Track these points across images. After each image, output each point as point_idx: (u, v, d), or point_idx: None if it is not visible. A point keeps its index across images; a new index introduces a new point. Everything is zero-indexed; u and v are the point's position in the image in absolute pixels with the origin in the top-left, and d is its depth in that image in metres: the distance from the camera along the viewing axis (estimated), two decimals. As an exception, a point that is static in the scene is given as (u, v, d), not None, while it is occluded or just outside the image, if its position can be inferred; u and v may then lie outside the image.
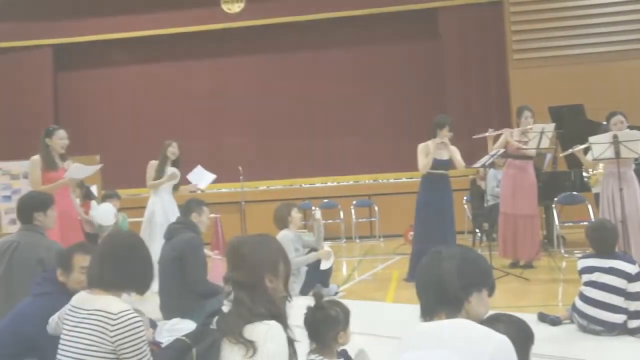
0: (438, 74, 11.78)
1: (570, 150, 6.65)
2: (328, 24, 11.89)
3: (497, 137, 6.89)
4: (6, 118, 12.35)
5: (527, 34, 11.35)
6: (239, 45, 12.32)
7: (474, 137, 7.10)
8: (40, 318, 2.96)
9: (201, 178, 7.19)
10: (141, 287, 2.69)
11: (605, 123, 6.56)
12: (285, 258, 2.26)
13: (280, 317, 2.13)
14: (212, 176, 7.22)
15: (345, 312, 2.72)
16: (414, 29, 12.07)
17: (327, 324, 2.65)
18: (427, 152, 6.41)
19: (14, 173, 10.53)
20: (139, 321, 2.44)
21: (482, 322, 2.00)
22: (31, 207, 4.10)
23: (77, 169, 5.50)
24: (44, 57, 12.50)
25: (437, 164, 6.42)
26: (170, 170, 6.72)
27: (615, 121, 6.35)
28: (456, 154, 6.50)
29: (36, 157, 5.42)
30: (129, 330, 2.38)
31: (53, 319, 2.80)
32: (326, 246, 6.09)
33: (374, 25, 12.00)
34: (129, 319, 2.39)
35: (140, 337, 2.41)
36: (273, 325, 2.06)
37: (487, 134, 6.85)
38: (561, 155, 7.74)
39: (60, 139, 5.45)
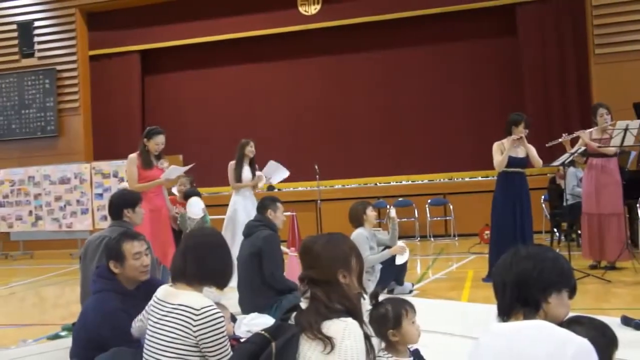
0: (516, 71, 11.54)
1: None
2: (404, 23, 11.89)
3: (573, 140, 6.71)
4: (100, 121, 13.14)
5: (609, 27, 10.91)
6: (316, 46, 12.51)
7: (548, 145, 6.92)
8: (95, 315, 3.14)
9: (275, 172, 7.24)
10: (220, 283, 2.79)
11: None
12: (357, 254, 2.30)
13: (356, 312, 2.17)
14: (286, 172, 7.26)
15: (396, 311, 2.66)
16: (492, 26, 11.90)
17: (377, 322, 2.66)
18: (502, 150, 6.32)
19: (105, 172, 11.14)
20: (221, 316, 2.54)
21: (562, 324, 1.95)
22: (121, 204, 4.36)
23: (173, 170, 5.75)
24: (132, 63, 13.25)
25: (513, 161, 6.32)
26: (257, 174, 6.95)
27: None
28: (533, 151, 6.38)
29: (133, 155, 5.71)
30: (211, 325, 2.49)
31: (135, 322, 2.93)
32: (400, 242, 6.10)
33: (451, 23, 11.89)
34: (211, 314, 2.51)
35: (222, 332, 2.52)
36: (350, 322, 2.10)
37: (561, 139, 6.67)
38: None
39: (156, 143, 5.68)
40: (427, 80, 12.02)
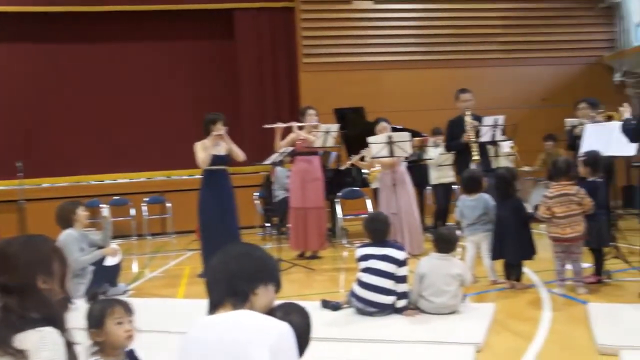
0: (234, 73, 11.97)
1: (351, 161, 7.23)
2: (126, 17, 11.42)
3: (285, 133, 7.20)
4: None
5: (315, 40, 12.02)
6: (31, 31, 11.28)
7: (264, 126, 7.31)
8: None
9: None
10: None
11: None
12: (60, 257, 2.11)
13: (58, 320, 1.99)
14: None
15: (99, 311, 2.55)
16: (213, 28, 12.15)
17: (87, 323, 2.56)
18: (204, 148, 6.39)
19: None
20: None
21: (272, 311, 2.11)
22: None
23: None
24: None
25: (216, 159, 6.42)
26: None
27: (381, 128, 7.09)
28: (233, 147, 6.50)
29: None
30: None
31: None
32: (113, 244, 5.88)
33: (174, 22, 11.80)
34: None
35: None
36: (47, 331, 1.91)
37: (276, 125, 7.10)
38: (347, 165, 8.30)
39: None
40: (147, 77, 11.75)
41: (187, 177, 11.32)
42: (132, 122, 11.67)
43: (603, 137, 5.94)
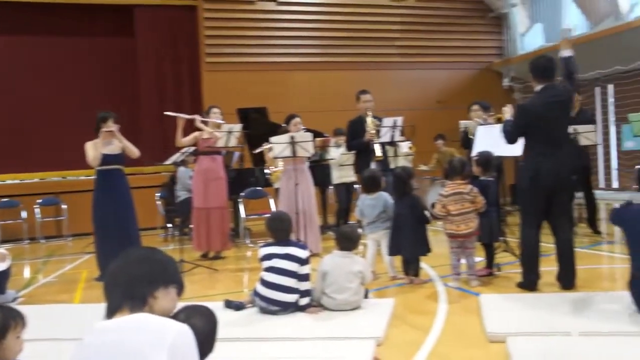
0: (134, 71, 11.64)
1: (259, 149, 7.20)
2: (24, 8, 10.86)
3: (187, 129, 7.08)
4: None
5: (218, 39, 11.92)
6: None
7: (165, 113, 7.13)
8: None
9: None
10: None
11: (284, 125, 7.28)
12: None
13: None
14: None
15: (3, 323, 2.38)
16: (113, 23, 11.78)
17: None
18: (95, 147, 6.17)
19: None
20: None
21: (176, 315, 2.13)
22: None
23: None
24: None
25: (109, 159, 6.22)
26: None
27: (295, 122, 7.14)
28: (127, 144, 6.30)
29: None
30: None
31: None
32: (1, 248, 5.56)
33: (72, 17, 11.34)
34: None
35: None
36: None
37: (178, 115, 6.96)
38: (255, 151, 8.27)
39: None
40: (41, 72, 11.22)
41: (84, 178, 10.86)
42: (25, 120, 11.09)
43: (493, 138, 6.29)
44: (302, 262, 4.40)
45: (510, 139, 4.99)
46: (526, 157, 4.95)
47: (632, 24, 10.83)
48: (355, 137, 7.26)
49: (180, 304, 2.32)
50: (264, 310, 4.44)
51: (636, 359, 3.10)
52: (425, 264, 5.81)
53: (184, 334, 1.85)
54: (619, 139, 11.01)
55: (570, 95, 4.88)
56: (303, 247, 4.57)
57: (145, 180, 10.29)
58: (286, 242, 4.52)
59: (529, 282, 4.86)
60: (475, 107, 7.39)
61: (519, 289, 4.90)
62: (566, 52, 4.87)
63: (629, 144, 9.68)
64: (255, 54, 12.19)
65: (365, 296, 4.68)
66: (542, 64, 4.81)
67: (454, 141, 8.90)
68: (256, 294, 4.50)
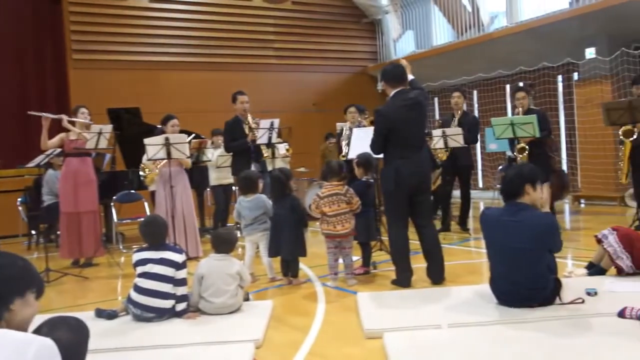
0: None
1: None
2: None
3: (52, 130, 6.68)
4: None
5: (86, 35, 11.34)
6: None
7: (29, 112, 6.66)
8: None
9: None
10: None
11: (159, 126, 7.06)
12: None
13: None
14: None
15: None
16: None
17: None
18: None
19: None
20: None
21: (39, 329, 2.00)
22: None
23: None
24: None
25: None
26: None
27: (173, 124, 6.96)
28: None
29: None
30: None
31: None
32: None
33: None
34: None
35: None
36: None
37: (43, 114, 6.51)
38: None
39: None
40: None
41: None
42: None
43: (367, 140, 6.47)
44: (178, 266, 4.27)
45: (377, 149, 5.15)
46: (387, 161, 5.12)
47: (492, 34, 11.62)
48: (233, 138, 7.19)
49: (47, 316, 2.17)
50: (138, 318, 4.25)
51: (499, 346, 3.30)
52: (303, 265, 5.86)
53: (46, 348, 1.73)
54: (483, 142, 11.80)
55: (422, 99, 5.13)
56: (179, 251, 4.44)
57: (5, 184, 9.59)
58: (161, 246, 4.37)
59: (403, 279, 5.05)
60: (352, 109, 7.61)
61: (394, 286, 5.07)
62: (410, 76, 5.17)
63: (492, 146, 10.38)
64: (127, 52, 11.73)
65: (247, 299, 4.64)
66: (392, 70, 5.08)
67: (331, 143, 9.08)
68: (130, 301, 4.31)
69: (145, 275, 4.26)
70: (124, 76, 11.38)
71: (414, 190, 4.99)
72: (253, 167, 7.12)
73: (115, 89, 10.99)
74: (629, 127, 6.87)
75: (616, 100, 8.82)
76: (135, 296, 4.25)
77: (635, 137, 6.86)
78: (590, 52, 10.33)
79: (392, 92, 5.07)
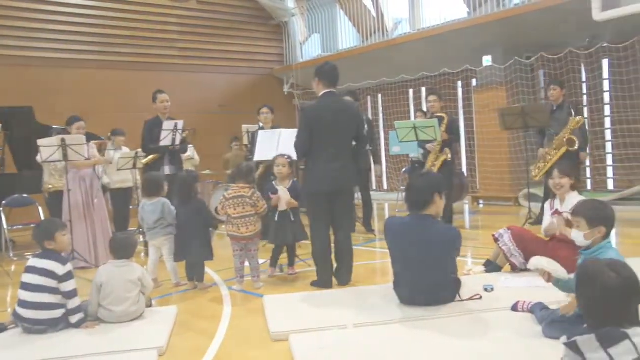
0: None
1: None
2: None
3: None
4: None
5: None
6: None
7: None
8: None
9: None
10: None
11: (67, 127, 6.73)
12: None
13: None
14: None
15: None
16: None
17: None
18: None
19: None
20: None
21: None
22: None
23: None
24: None
25: None
26: None
27: (78, 126, 6.65)
28: None
29: None
30: None
31: None
32: None
33: None
34: None
35: None
36: None
37: None
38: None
39: None
40: None
41: None
42: None
43: (273, 142, 6.46)
44: (60, 278, 3.97)
45: (302, 146, 5.05)
46: (309, 162, 5.11)
47: (396, 40, 11.92)
48: (152, 138, 6.97)
49: None
50: (29, 331, 3.98)
51: (400, 343, 3.37)
52: (209, 269, 5.74)
53: None
54: (387, 144, 12.05)
55: (356, 110, 5.19)
56: (63, 261, 4.11)
57: None
58: (45, 255, 4.06)
59: (324, 281, 5.04)
60: (265, 109, 7.61)
61: (305, 288, 5.06)
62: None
63: (395, 149, 10.63)
64: (17, 47, 11.04)
65: (149, 305, 4.47)
66: (330, 71, 5.06)
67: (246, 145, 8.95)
68: (14, 315, 4.02)
69: (26, 286, 3.96)
70: (14, 73, 10.71)
71: (334, 192, 4.99)
72: (167, 170, 6.94)
73: (3, 87, 10.32)
74: (573, 137, 7.20)
75: (510, 106, 9.28)
76: (22, 311, 3.95)
77: (576, 147, 7.21)
78: (487, 60, 10.82)
79: (322, 92, 5.04)
